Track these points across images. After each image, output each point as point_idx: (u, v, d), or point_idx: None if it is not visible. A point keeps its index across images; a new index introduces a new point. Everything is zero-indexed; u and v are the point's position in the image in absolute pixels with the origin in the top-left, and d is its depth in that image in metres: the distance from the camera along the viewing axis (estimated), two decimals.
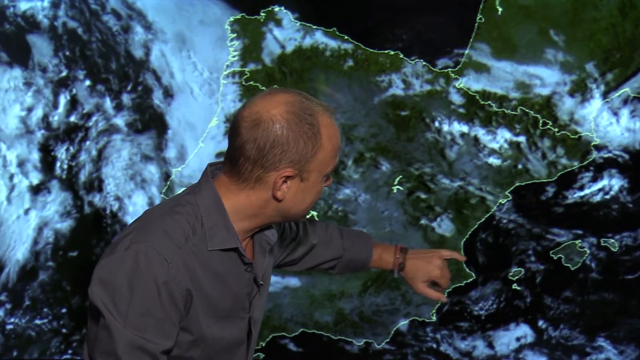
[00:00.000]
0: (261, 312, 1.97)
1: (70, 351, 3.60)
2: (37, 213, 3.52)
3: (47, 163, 3.52)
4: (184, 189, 1.87)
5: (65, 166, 3.53)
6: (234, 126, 1.71)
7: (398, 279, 2.33)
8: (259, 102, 1.70)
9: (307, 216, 1.92)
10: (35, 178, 3.51)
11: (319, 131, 1.69)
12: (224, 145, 3.54)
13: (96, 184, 3.55)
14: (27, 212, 3.51)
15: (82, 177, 3.54)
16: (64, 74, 3.48)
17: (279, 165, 1.68)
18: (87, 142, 3.53)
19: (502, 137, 3.57)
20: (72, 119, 3.51)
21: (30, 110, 3.48)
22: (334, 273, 2.32)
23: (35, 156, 3.51)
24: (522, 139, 3.57)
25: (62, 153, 3.52)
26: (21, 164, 3.50)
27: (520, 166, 3.59)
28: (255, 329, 1.92)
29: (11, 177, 3.50)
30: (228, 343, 1.84)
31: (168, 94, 3.54)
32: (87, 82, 3.50)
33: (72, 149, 3.53)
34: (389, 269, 2.29)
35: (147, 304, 1.65)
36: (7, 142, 3.48)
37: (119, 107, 3.52)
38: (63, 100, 3.49)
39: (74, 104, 3.50)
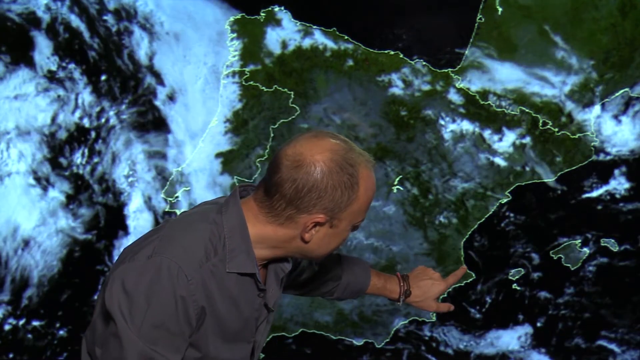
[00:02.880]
0: (265, 337, 1.98)
1: (65, 354, 3.60)
2: (55, 221, 3.53)
3: (58, 167, 3.52)
4: (210, 200, 1.87)
5: (77, 171, 3.53)
6: (275, 161, 1.71)
7: (401, 305, 2.36)
8: (305, 143, 1.70)
9: None
10: (47, 184, 3.52)
11: (358, 182, 1.70)
12: (223, 146, 3.55)
13: (104, 187, 3.56)
14: (49, 222, 3.53)
15: (90, 180, 3.55)
16: (62, 74, 3.48)
17: (313, 210, 1.69)
18: (89, 145, 3.53)
19: (502, 137, 3.57)
20: (72, 121, 3.51)
21: (37, 113, 3.49)
22: (333, 298, 2.33)
23: (46, 160, 3.51)
24: (522, 139, 3.57)
25: (68, 157, 3.53)
26: (34, 171, 3.51)
27: (520, 166, 3.58)
28: (257, 352, 1.93)
29: (24, 183, 3.51)
30: None
31: (168, 94, 3.54)
32: (87, 83, 3.50)
33: (78, 153, 3.53)
34: (395, 297, 2.31)
35: (163, 317, 1.66)
36: (16, 146, 3.49)
37: (118, 108, 3.52)
38: (63, 101, 3.50)
39: (74, 105, 3.51)
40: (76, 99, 3.50)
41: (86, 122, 3.52)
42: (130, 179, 3.56)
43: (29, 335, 3.57)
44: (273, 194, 1.70)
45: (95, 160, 3.54)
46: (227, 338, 1.81)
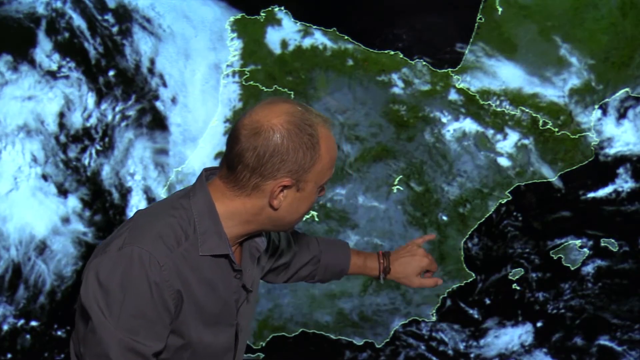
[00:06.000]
0: (249, 321, 1.97)
1: (62, 355, 3.59)
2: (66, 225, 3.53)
3: (69, 169, 3.52)
4: (180, 189, 1.87)
5: (86, 172, 3.53)
6: (233, 133, 1.72)
7: (384, 282, 2.34)
8: (260, 111, 1.71)
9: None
10: (59, 188, 3.52)
11: (318, 142, 1.70)
12: (223, 146, 3.54)
13: (111, 188, 3.56)
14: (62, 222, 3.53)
15: (98, 180, 3.55)
16: (63, 73, 3.48)
17: (277, 175, 1.69)
18: (95, 146, 3.53)
19: (502, 136, 3.58)
20: (78, 120, 3.51)
21: (42, 113, 3.49)
22: (315, 281, 2.32)
23: (55, 162, 3.51)
24: (522, 138, 3.57)
25: (78, 158, 3.53)
26: (45, 175, 3.51)
27: (520, 166, 3.59)
28: (241, 336, 1.91)
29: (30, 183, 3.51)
30: (215, 350, 1.85)
31: (168, 94, 3.54)
32: (88, 83, 3.50)
33: (86, 154, 3.53)
34: (375, 275, 2.30)
35: (140, 305, 1.66)
36: (26, 148, 3.49)
37: (121, 108, 3.52)
38: (68, 100, 3.49)
39: (78, 104, 3.50)
40: (79, 99, 3.50)
41: (91, 122, 3.52)
42: (135, 177, 3.56)
43: (27, 336, 3.56)
44: (236, 166, 1.70)
45: (102, 161, 3.54)
46: (207, 322, 1.80)
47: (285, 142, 1.67)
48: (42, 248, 3.51)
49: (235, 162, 1.70)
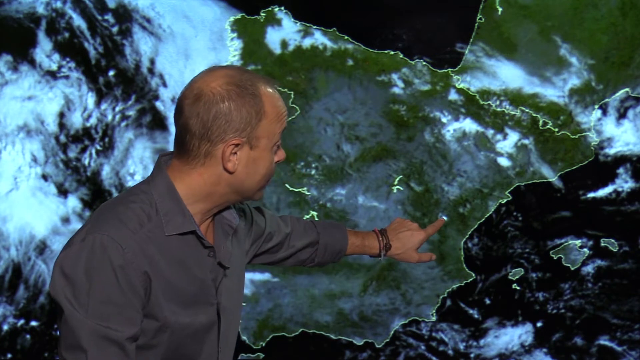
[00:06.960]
0: (233, 300, 1.93)
1: None
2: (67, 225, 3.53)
3: (68, 168, 3.52)
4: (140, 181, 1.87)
5: (86, 172, 3.53)
6: (177, 106, 1.72)
7: (385, 260, 2.32)
8: (198, 78, 1.72)
9: (267, 198, 1.90)
10: (59, 188, 3.52)
11: (261, 99, 1.70)
12: None
13: (112, 188, 3.56)
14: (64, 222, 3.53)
15: (98, 180, 3.55)
16: (63, 73, 3.48)
17: (225, 137, 1.68)
18: (89, 146, 3.53)
19: (503, 137, 3.58)
20: (78, 120, 3.51)
21: (43, 113, 3.49)
22: (315, 265, 2.30)
23: (55, 162, 3.51)
24: (522, 138, 3.57)
25: (78, 158, 3.53)
26: (45, 175, 3.51)
27: (520, 166, 3.59)
28: (224, 316, 1.88)
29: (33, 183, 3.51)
30: (195, 330, 1.82)
31: (168, 94, 3.54)
32: (89, 83, 3.50)
33: (86, 154, 3.53)
34: (375, 253, 2.29)
35: (107, 291, 1.65)
36: (26, 148, 3.49)
37: (118, 108, 3.52)
38: (68, 100, 3.50)
39: (79, 104, 3.51)
40: (79, 99, 3.50)
41: (91, 122, 3.52)
42: (135, 177, 3.56)
43: (27, 336, 3.56)
44: (184, 137, 1.70)
45: (102, 161, 3.54)
46: (183, 303, 1.78)
47: (227, 103, 1.67)
48: (42, 248, 3.51)
49: (183, 134, 1.70)
